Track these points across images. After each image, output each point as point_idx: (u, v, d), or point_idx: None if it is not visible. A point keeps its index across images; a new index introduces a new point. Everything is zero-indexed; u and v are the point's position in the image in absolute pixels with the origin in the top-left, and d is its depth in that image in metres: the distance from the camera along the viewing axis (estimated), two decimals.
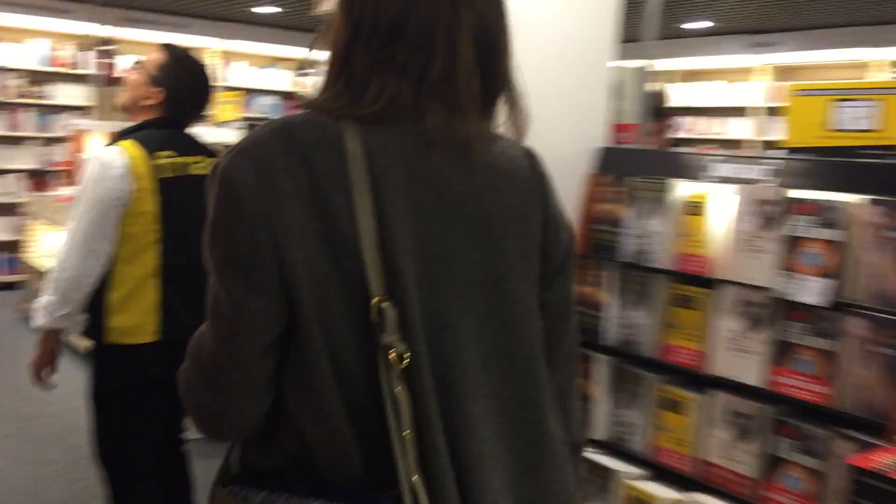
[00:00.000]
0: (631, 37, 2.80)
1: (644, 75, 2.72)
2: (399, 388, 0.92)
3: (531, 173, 1.07)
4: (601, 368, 2.34)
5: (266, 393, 0.97)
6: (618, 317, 2.31)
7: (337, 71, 1.01)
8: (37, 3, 8.05)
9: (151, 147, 2.41)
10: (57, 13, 8.17)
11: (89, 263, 2.30)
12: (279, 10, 8.49)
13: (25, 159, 8.18)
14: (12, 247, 7.62)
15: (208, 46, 9.46)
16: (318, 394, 0.93)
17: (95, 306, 2.38)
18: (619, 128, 2.71)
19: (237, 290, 0.93)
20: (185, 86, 2.50)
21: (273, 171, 0.92)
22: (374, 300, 0.92)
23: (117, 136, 2.45)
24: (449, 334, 0.97)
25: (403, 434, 0.91)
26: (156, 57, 2.50)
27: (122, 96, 2.54)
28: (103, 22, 8.15)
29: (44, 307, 2.35)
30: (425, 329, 0.96)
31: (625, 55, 2.76)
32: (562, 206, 1.11)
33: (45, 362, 2.47)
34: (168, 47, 2.56)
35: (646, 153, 2.56)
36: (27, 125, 8.30)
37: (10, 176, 8.19)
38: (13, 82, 8.14)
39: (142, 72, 2.50)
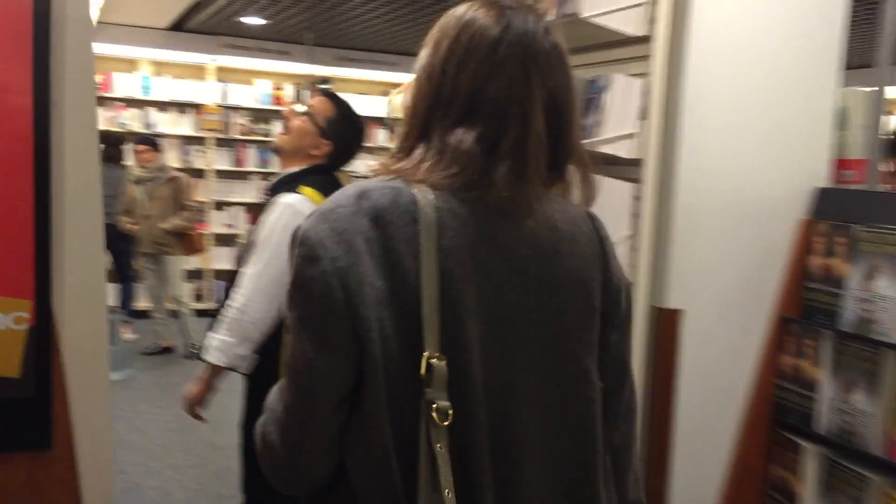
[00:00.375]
0: (859, 62, 2.33)
1: (877, 102, 2.25)
2: (440, 446, 0.94)
3: (592, 236, 1.10)
4: (810, 461, 1.91)
5: (337, 446, 1.01)
6: (833, 399, 1.87)
7: (415, 136, 1.06)
8: (263, 46, 8.59)
9: (327, 194, 2.34)
10: (279, 55, 8.65)
11: (273, 308, 2.27)
12: None
13: (248, 193, 8.71)
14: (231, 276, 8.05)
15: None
16: (375, 448, 0.97)
17: (270, 345, 2.33)
18: (843, 164, 2.26)
19: (312, 346, 0.98)
20: (351, 140, 2.54)
21: (349, 232, 0.98)
22: (425, 354, 0.95)
23: (285, 182, 2.42)
24: (508, 392, 1.01)
25: (445, 493, 0.93)
26: (325, 108, 2.50)
27: (284, 140, 2.50)
28: (320, 62, 8.52)
29: (218, 346, 2.33)
30: (486, 387, 0.99)
31: (850, 82, 2.31)
32: (620, 266, 1.14)
33: (202, 398, 2.45)
34: (335, 99, 2.56)
35: (875, 196, 2.10)
36: (250, 161, 8.85)
37: (233, 208, 8.76)
38: (240, 121, 8.72)
39: (311, 121, 2.47)
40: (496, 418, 1.00)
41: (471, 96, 1.03)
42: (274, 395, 1.05)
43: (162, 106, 8.45)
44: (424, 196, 1.00)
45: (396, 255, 0.97)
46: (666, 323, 2.14)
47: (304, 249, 0.99)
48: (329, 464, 1.02)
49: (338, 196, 1.02)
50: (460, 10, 1.08)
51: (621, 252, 2.13)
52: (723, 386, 2.20)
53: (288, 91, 8.93)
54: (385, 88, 9.64)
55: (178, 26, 7.96)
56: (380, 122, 9.54)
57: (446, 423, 0.95)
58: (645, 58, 2.15)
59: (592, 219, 1.13)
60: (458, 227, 0.99)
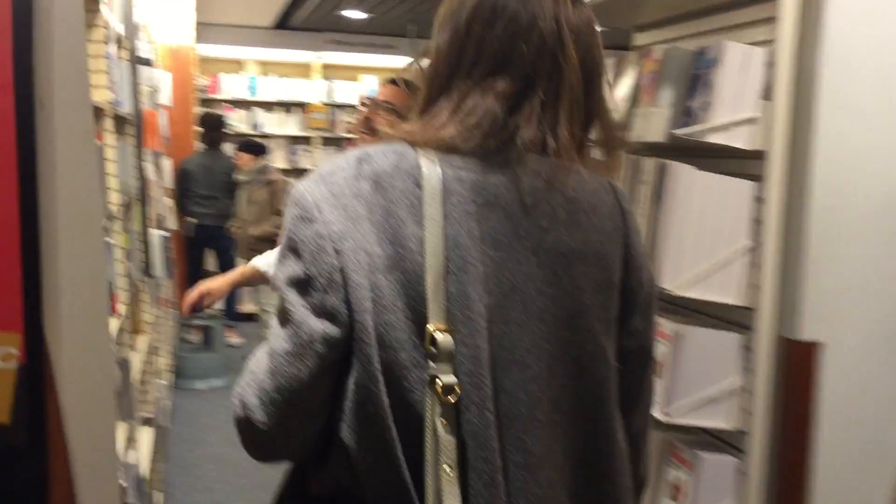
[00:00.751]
0: None
1: None
2: (444, 422, 0.92)
3: (614, 209, 1.05)
4: None
5: (318, 416, 0.98)
6: None
7: (432, 98, 1.03)
8: (367, 41, 8.37)
9: None
10: (383, 49, 8.41)
11: None
12: None
13: None
14: None
15: None
16: (373, 421, 0.94)
17: None
18: None
19: (300, 310, 0.94)
20: None
21: (347, 196, 0.95)
22: (430, 328, 0.92)
23: None
24: (517, 369, 0.97)
25: (444, 469, 0.91)
26: (403, 98, 2.23)
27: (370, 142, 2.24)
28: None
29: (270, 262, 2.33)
30: (493, 362, 0.96)
31: None
32: (643, 244, 1.09)
33: (218, 292, 2.55)
34: (410, 86, 2.29)
35: None
36: None
37: None
38: (346, 118, 8.56)
39: (396, 116, 2.20)
40: (503, 396, 0.96)
41: (497, 54, 0.99)
42: (257, 358, 1.01)
43: (268, 106, 8.38)
44: (429, 159, 0.96)
45: (398, 221, 0.94)
46: (799, 359, 1.67)
47: (298, 210, 0.97)
48: (308, 434, 0.99)
49: (339, 160, 0.99)
50: None
51: (738, 268, 1.68)
52: (875, 440, 1.71)
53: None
54: None
55: (282, 24, 7.85)
56: None
57: (451, 399, 0.92)
58: (769, 21, 1.67)
59: (615, 190, 1.07)
60: (465, 191, 0.96)
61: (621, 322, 1.05)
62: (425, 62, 1.06)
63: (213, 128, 6.46)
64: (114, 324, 2.36)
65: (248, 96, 8.29)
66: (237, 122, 8.23)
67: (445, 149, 0.97)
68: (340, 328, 0.93)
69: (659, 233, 1.72)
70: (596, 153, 1.06)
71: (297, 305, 0.95)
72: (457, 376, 0.92)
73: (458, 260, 0.94)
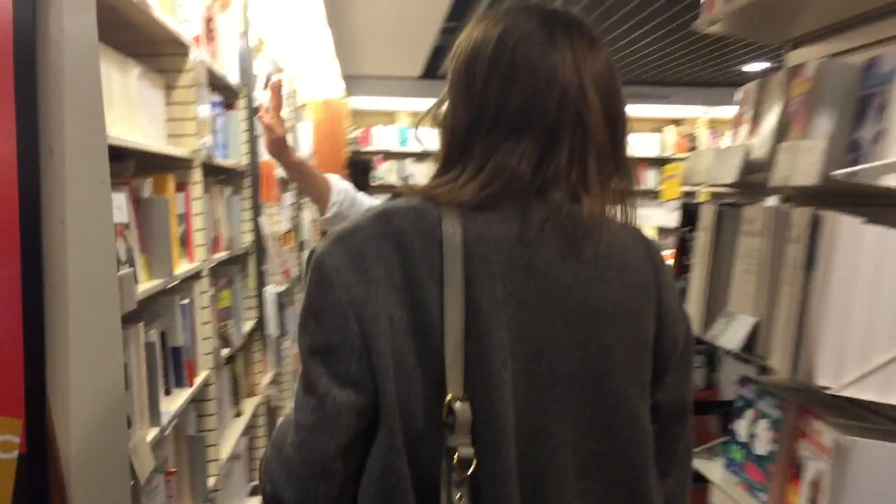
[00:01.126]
0: None
1: None
2: (461, 497, 0.88)
3: (646, 262, 1.00)
4: None
5: (346, 491, 0.95)
6: None
7: (452, 156, 0.99)
8: None
9: None
10: None
11: None
12: (769, 65, 7.28)
13: None
14: None
15: (692, 116, 8.64)
16: (394, 493, 0.91)
17: None
18: None
19: (324, 380, 0.92)
20: None
21: (367, 258, 0.92)
22: (448, 398, 0.89)
23: None
24: (543, 438, 0.93)
25: None
26: None
27: None
28: None
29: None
30: (518, 432, 0.91)
31: None
32: (677, 297, 1.03)
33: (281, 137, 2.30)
34: None
35: None
36: None
37: None
38: None
39: None
40: (528, 467, 0.92)
41: (519, 110, 0.94)
42: (282, 431, 0.97)
43: (419, 157, 8.30)
44: (451, 217, 0.93)
45: (419, 283, 0.91)
46: None
47: (318, 275, 0.94)
48: None
49: (358, 218, 0.96)
50: (493, 17, 0.99)
51: None
52: None
53: None
54: (656, 125, 8.78)
55: (429, 74, 7.77)
56: (652, 162, 8.70)
57: (469, 472, 0.88)
58: None
59: (645, 242, 1.03)
60: (488, 252, 0.92)
61: (655, 379, 1.00)
62: (442, 112, 1.02)
63: (360, 171, 6.36)
64: (184, 395, 2.15)
65: (398, 147, 8.25)
66: (387, 172, 8.19)
67: (468, 207, 0.94)
68: (366, 397, 0.91)
69: (812, 309, 1.27)
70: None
71: (321, 375, 0.92)
72: (477, 447, 0.89)
73: (479, 324, 0.90)
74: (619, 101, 0.99)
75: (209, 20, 2.80)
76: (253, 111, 3.43)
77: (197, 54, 2.40)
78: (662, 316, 0.99)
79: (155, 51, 2.27)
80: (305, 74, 5.55)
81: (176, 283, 2.06)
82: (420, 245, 0.91)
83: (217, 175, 2.93)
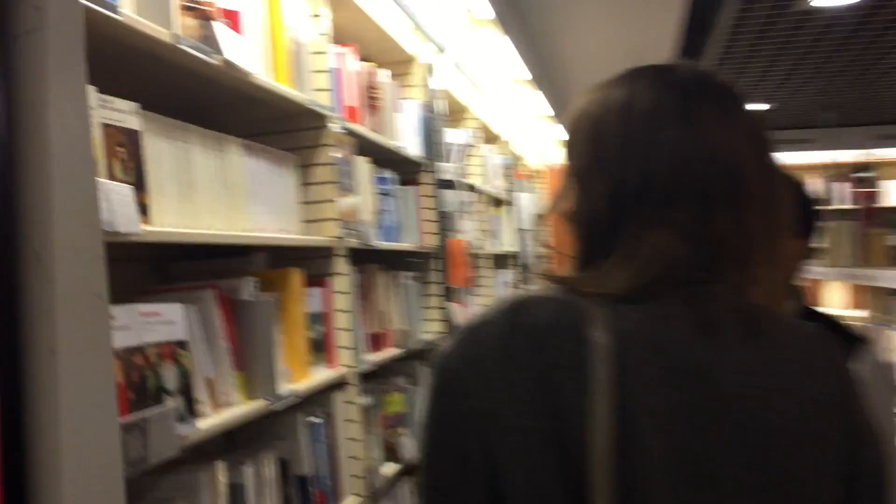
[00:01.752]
0: None
1: None
2: None
3: (829, 367, 0.86)
4: None
5: None
6: None
7: (593, 244, 0.87)
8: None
9: None
10: (792, 144, 7.17)
11: None
12: None
13: None
14: None
15: None
16: None
17: None
18: None
19: (442, 501, 0.83)
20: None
21: (496, 358, 0.81)
22: None
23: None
24: None
25: None
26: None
27: None
28: (849, 145, 6.80)
29: None
30: None
31: None
32: (872, 410, 0.88)
33: None
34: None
35: None
36: None
37: None
38: None
39: None
40: None
41: (665, 188, 0.83)
42: None
43: None
44: (600, 312, 0.81)
45: (558, 388, 0.78)
46: None
47: (437, 380, 0.85)
48: None
49: (489, 312, 0.85)
50: (614, 83, 0.89)
51: None
52: None
53: (817, 185, 7.33)
54: None
55: None
56: None
57: None
58: None
59: (828, 344, 0.87)
60: (643, 353, 0.79)
61: None
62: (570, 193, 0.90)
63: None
64: None
65: None
66: None
67: (618, 300, 0.81)
68: None
69: None
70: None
71: (438, 494, 0.83)
72: None
73: (631, 439, 0.76)
74: (775, 164, 0.87)
75: (371, 88, 2.51)
76: (444, 183, 3.09)
77: (340, 127, 2.09)
78: (850, 435, 0.84)
79: (282, 127, 1.99)
80: (521, 141, 5.20)
81: (295, 401, 1.70)
82: (561, 343, 0.80)
83: (390, 260, 2.60)
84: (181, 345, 1.28)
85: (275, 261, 1.95)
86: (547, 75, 4.80)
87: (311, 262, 2.00)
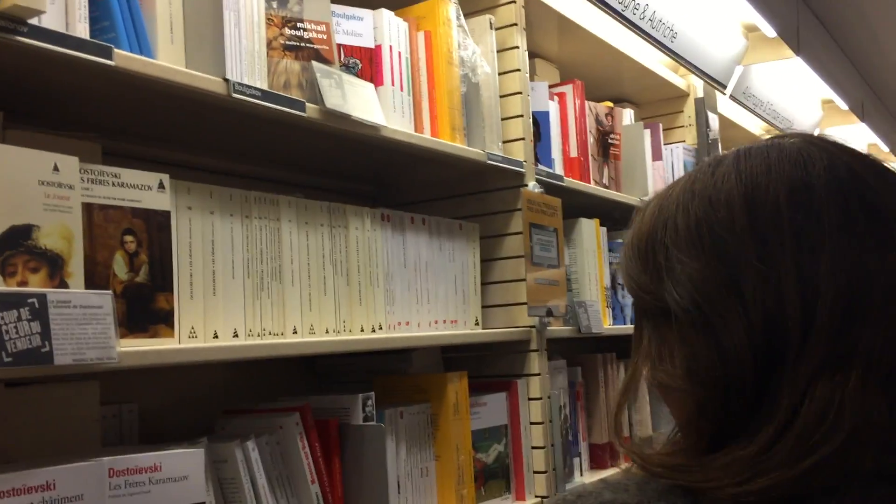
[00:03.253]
0: None
1: None
2: None
3: None
4: None
5: None
6: None
7: (728, 410, 0.59)
8: None
9: None
10: None
11: None
12: None
13: None
14: None
15: None
16: None
17: None
18: None
19: None
20: None
21: None
22: None
23: None
24: None
25: None
26: None
27: None
28: None
29: None
30: None
31: None
32: None
33: None
34: None
35: None
36: None
37: None
38: None
39: None
40: None
41: (852, 296, 0.58)
42: None
43: None
44: None
45: None
46: None
47: None
48: None
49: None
50: (712, 170, 0.64)
51: None
52: None
53: None
54: None
55: None
56: None
57: None
58: None
59: None
60: None
61: None
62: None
63: None
64: None
65: None
66: None
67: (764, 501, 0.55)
68: None
69: None
70: None
71: None
72: None
73: None
74: None
75: (605, 133, 2.02)
76: None
77: (545, 184, 1.64)
78: None
79: (455, 190, 1.59)
80: None
81: None
82: None
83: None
84: None
85: (446, 361, 1.56)
86: (869, 99, 3.83)
87: (494, 360, 1.57)
